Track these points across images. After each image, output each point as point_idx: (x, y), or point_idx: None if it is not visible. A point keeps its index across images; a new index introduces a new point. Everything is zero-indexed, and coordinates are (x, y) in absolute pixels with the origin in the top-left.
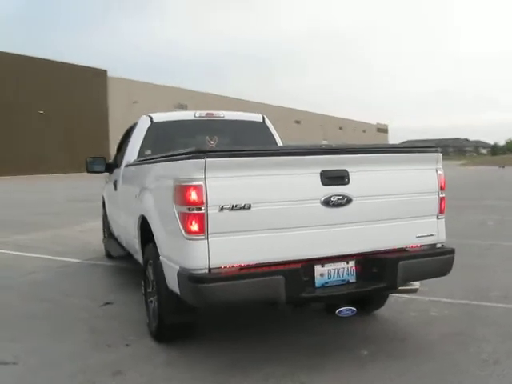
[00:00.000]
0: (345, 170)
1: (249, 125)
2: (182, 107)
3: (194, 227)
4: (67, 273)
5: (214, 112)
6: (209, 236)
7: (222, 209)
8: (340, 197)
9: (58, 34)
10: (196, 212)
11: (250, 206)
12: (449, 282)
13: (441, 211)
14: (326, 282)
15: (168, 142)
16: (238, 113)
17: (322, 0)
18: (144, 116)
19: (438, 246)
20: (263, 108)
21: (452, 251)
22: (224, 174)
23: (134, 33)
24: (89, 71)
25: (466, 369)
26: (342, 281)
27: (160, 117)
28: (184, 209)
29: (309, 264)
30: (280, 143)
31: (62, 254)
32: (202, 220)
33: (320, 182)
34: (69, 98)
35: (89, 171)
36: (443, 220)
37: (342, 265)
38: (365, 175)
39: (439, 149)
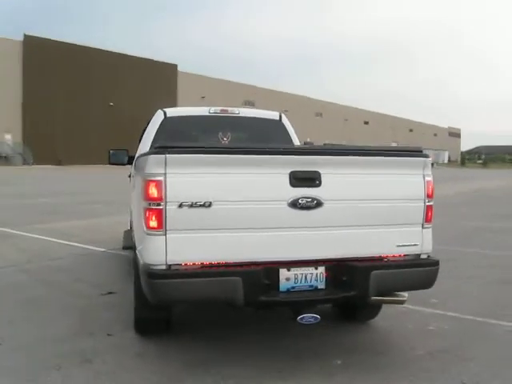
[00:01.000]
0: (316, 172)
1: (264, 122)
2: (249, 104)
3: (153, 223)
4: (87, 260)
5: (229, 108)
6: (167, 232)
7: (181, 205)
8: (309, 199)
9: (130, 26)
10: (155, 207)
11: (210, 203)
12: (468, 296)
13: (427, 220)
14: (293, 287)
15: (180, 136)
16: (255, 110)
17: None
18: (159, 110)
19: (423, 256)
20: (330, 107)
21: (436, 263)
22: (185, 170)
23: (205, 26)
24: (159, 65)
25: None
26: (310, 286)
27: (174, 111)
28: (146, 204)
29: (273, 267)
30: (297, 142)
31: (91, 243)
32: (160, 216)
33: (288, 183)
34: (139, 91)
35: (111, 163)
36: (430, 229)
37: (311, 270)
38: (339, 178)
39: (428, 153)
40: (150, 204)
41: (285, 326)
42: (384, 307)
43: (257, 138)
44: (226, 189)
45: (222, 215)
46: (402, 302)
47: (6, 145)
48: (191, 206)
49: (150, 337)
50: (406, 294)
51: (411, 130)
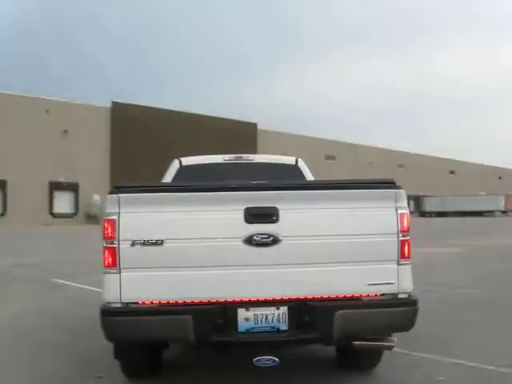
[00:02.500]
0: (274, 208)
1: (279, 167)
2: (330, 158)
3: (109, 261)
4: None
5: (244, 155)
6: (121, 270)
7: (133, 244)
8: (265, 236)
9: (210, 88)
10: (110, 246)
11: (162, 241)
12: (500, 346)
13: (403, 256)
14: (252, 328)
15: None
16: (270, 156)
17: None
18: (175, 159)
19: (403, 296)
20: (413, 158)
21: (413, 303)
22: (137, 209)
23: (287, 82)
24: (239, 124)
25: None
26: (272, 328)
27: (189, 160)
28: (104, 243)
29: (229, 306)
30: None
31: None
32: (114, 254)
33: (243, 220)
34: (219, 151)
35: None
36: (408, 266)
37: (272, 310)
38: (299, 214)
39: (400, 185)
40: (106, 242)
41: (270, 371)
42: (392, 356)
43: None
44: (178, 226)
45: (175, 253)
46: (389, 348)
47: (94, 205)
48: (143, 244)
49: (138, 380)
50: (394, 338)
51: (500, 178)
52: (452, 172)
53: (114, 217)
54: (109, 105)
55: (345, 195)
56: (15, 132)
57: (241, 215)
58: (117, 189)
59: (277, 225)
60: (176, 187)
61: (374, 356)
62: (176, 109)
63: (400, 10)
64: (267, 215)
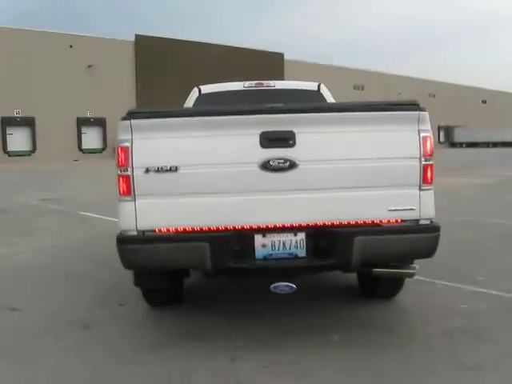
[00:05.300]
0: (290, 132)
1: (301, 93)
2: (359, 88)
3: (123, 189)
4: None
5: (265, 82)
6: (136, 198)
7: (147, 171)
8: (281, 161)
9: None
10: (123, 173)
11: (176, 168)
12: None
13: (425, 181)
14: (270, 254)
15: None
16: (292, 82)
17: None
18: (195, 88)
19: (424, 222)
20: (444, 87)
21: (436, 229)
22: (150, 135)
23: (316, 14)
24: (266, 55)
25: (433, 368)
26: (290, 254)
27: (208, 88)
28: (118, 170)
29: (245, 233)
30: None
31: None
32: (128, 181)
33: (259, 144)
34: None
35: None
36: (430, 191)
37: (289, 236)
38: (317, 137)
39: (424, 107)
40: (120, 170)
41: (292, 304)
42: (415, 284)
43: None
44: (192, 152)
45: (190, 179)
46: (410, 275)
47: None
48: (158, 170)
49: (159, 308)
50: (415, 265)
51: None
52: (484, 101)
53: (127, 143)
54: (132, 38)
55: (365, 117)
56: (40, 69)
57: (256, 140)
58: (129, 114)
59: (294, 149)
60: (189, 112)
61: (396, 284)
62: (200, 40)
63: None
64: (283, 139)
